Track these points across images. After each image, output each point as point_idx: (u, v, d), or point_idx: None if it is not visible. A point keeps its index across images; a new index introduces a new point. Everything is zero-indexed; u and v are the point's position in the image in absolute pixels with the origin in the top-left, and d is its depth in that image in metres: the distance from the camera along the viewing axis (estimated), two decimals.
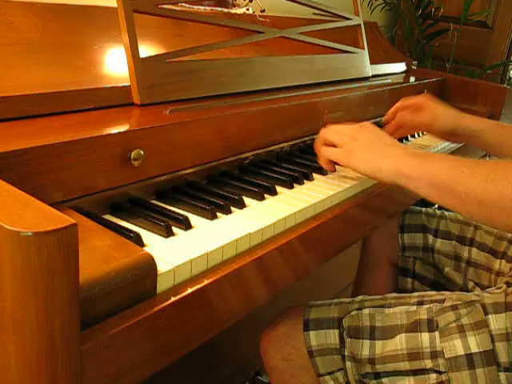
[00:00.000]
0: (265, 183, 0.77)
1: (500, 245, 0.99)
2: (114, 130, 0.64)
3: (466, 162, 0.69)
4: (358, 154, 0.78)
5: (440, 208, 1.12)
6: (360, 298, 0.83)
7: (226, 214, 0.67)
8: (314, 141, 0.88)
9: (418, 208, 1.12)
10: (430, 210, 1.12)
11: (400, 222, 1.11)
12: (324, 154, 0.83)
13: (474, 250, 1.03)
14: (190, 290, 0.52)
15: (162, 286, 0.51)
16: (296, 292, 1.09)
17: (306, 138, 1.00)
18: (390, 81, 1.39)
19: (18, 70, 0.68)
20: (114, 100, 0.75)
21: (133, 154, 0.64)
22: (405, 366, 0.74)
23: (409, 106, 1.08)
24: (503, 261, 0.97)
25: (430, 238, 1.08)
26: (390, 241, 1.12)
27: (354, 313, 0.80)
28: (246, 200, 0.72)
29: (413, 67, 1.67)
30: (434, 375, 0.73)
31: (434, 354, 0.73)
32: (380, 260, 1.15)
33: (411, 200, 1.06)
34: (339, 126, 0.83)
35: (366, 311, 0.79)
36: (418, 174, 0.71)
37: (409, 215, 1.10)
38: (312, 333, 0.79)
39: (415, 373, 0.74)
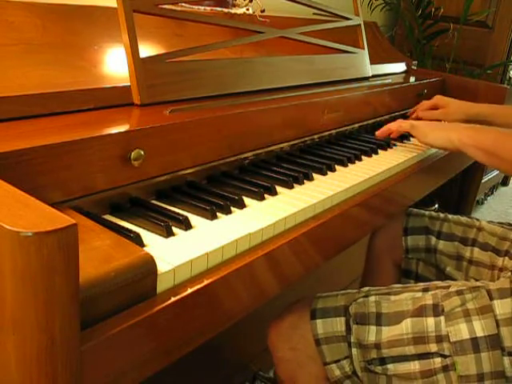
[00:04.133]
0: (265, 183, 0.77)
1: (503, 244, 1.00)
2: (114, 130, 0.64)
3: (505, 134, 0.92)
4: (431, 134, 1.02)
5: (442, 211, 1.14)
6: (366, 288, 0.85)
7: (226, 214, 0.67)
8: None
9: (422, 211, 1.13)
10: (433, 213, 1.13)
11: (404, 225, 1.11)
12: (403, 127, 1.09)
13: (476, 249, 1.04)
14: (189, 290, 0.52)
15: (162, 285, 0.51)
16: (298, 290, 1.09)
17: (306, 138, 1.00)
18: (390, 81, 1.39)
19: (18, 70, 0.68)
20: (114, 100, 0.75)
21: (133, 154, 0.64)
22: (410, 350, 0.75)
23: (427, 108, 1.31)
24: (506, 258, 0.98)
25: (433, 239, 1.08)
26: (394, 243, 1.13)
27: (360, 300, 0.81)
28: (246, 200, 0.72)
29: (413, 67, 1.68)
30: (438, 359, 0.74)
31: (439, 338, 0.74)
32: (384, 262, 1.16)
33: (410, 201, 1.07)
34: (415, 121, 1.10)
35: (372, 298, 0.81)
36: (473, 143, 0.94)
37: (412, 218, 1.11)
38: (319, 321, 0.80)
39: (420, 357, 0.75)
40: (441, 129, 1.02)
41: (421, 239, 1.10)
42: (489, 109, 1.26)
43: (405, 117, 1.31)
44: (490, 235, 1.03)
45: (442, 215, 1.11)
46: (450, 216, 1.11)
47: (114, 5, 0.76)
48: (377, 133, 1.12)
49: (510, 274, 0.81)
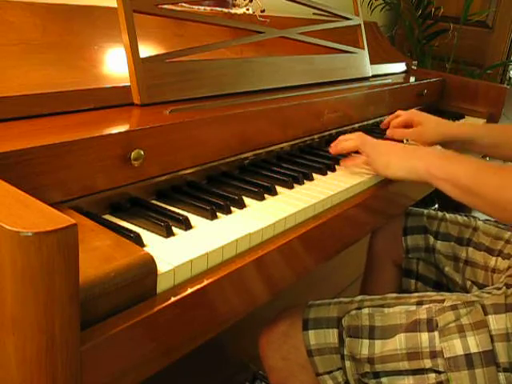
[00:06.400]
0: (265, 183, 0.77)
1: (497, 244, 1.00)
2: (114, 130, 0.64)
3: (485, 168, 0.77)
4: (393, 164, 0.85)
5: (441, 210, 1.14)
6: (359, 297, 0.84)
7: (226, 214, 0.67)
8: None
9: (421, 210, 1.13)
10: (432, 212, 1.13)
11: (403, 225, 1.11)
12: (363, 162, 0.91)
13: (471, 249, 1.04)
14: (189, 290, 0.52)
15: (162, 285, 0.51)
16: (297, 291, 1.09)
17: (306, 138, 1.00)
18: (390, 81, 1.39)
19: (18, 70, 0.68)
20: (114, 100, 0.75)
21: (133, 154, 0.64)
22: (404, 365, 0.74)
23: (400, 124, 1.12)
24: (499, 258, 0.98)
25: (431, 238, 1.08)
26: (394, 243, 1.13)
27: (353, 312, 0.80)
28: (246, 200, 0.72)
29: (413, 67, 1.68)
30: (433, 375, 0.73)
31: (434, 354, 0.73)
32: (384, 262, 1.16)
33: (410, 201, 1.07)
34: (370, 140, 0.92)
35: (366, 311, 0.80)
36: (444, 176, 0.79)
37: (411, 218, 1.11)
38: (311, 332, 0.79)
39: (414, 372, 0.74)
40: (402, 157, 0.85)
41: (420, 239, 1.10)
42: (471, 129, 1.09)
43: None
44: (484, 235, 1.04)
45: (440, 214, 1.11)
46: (447, 215, 1.11)
47: (114, 5, 0.76)
48: (331, 150, 0.95)
49: (504, 288, 0.80)
